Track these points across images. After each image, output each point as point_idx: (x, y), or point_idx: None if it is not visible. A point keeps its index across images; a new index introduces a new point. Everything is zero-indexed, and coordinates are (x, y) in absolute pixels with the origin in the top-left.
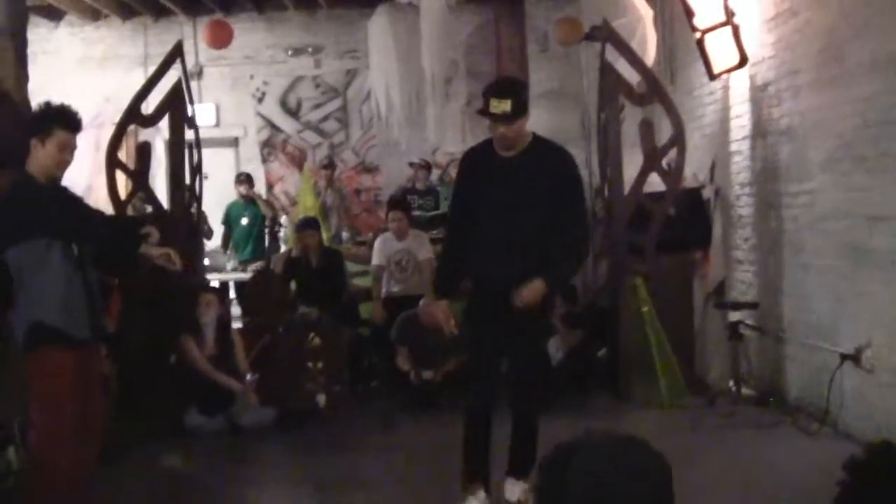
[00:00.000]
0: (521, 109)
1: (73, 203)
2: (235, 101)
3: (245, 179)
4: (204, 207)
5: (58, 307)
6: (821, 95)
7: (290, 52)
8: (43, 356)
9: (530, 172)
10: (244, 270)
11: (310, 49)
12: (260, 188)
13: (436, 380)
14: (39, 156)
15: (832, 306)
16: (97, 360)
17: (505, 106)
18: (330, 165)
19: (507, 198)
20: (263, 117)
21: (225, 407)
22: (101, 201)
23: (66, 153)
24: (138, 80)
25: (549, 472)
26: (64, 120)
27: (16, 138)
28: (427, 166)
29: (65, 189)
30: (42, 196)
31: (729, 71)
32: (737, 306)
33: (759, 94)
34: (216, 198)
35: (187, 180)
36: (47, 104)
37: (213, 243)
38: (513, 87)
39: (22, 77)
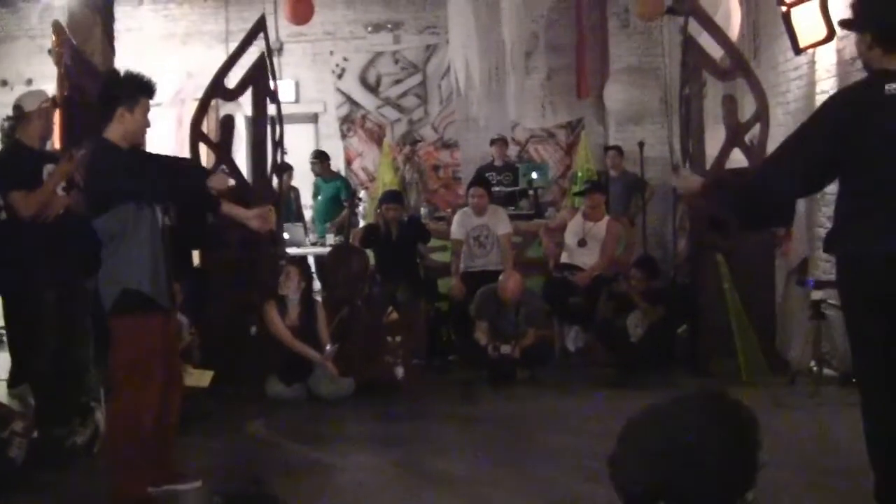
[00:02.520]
0: None
1: (156, 160)
2: (315, 77)
3: (318, 157)
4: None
5: (147, 275)
6: None
7: (369, 28)
8: (132, 322)
9: None
10: (323, 245)
11: (389, 25)
12: (339, 164)
13: (514, 354)
14: (127, 122)
15: None
16: (175, 326)
17: None
18: (414, 142)
19: None
20: (343, 93)
21: (305, 376)
22: None
23: (147, 119)
24: (219, 56)
25: (629, 430)
26: (149, 89)
27: None
28: (505, 142)
29: (145, 151)
30: (129, 161)
31: (815, 45)
32: (820, 285)
33: (846, 69)
34: (296, 173)
35: (269, 154)
36: (128, 74)
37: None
38: None
39: (109, 52)
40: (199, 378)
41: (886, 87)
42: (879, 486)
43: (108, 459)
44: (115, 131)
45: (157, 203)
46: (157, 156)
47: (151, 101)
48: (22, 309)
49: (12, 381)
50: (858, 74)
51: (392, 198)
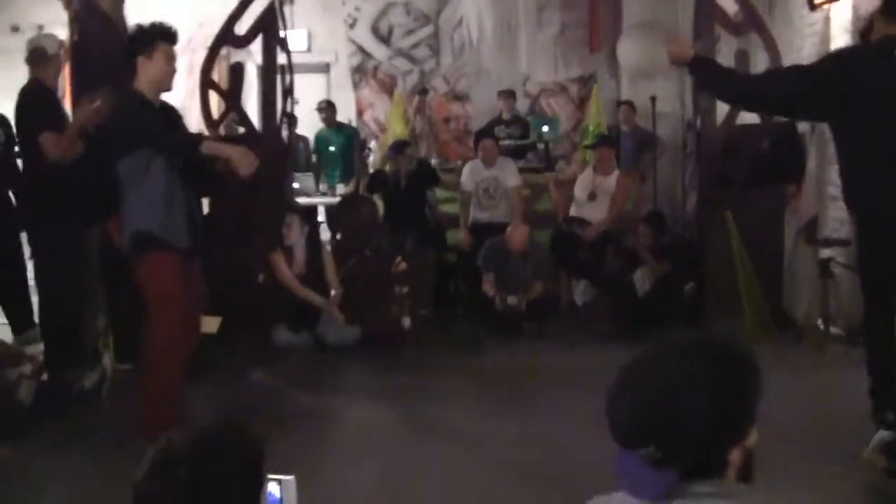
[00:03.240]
0: None
1: (176, 123)
2: (327, 26)
3: (326, 107)
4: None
5: (159, 216)
6: None
7: None
8: (150, 260)
9: None
10: (333, 195)
11: None
12: (350, 114)
13: (520, 306)
14: (150, 70)
15: None
16: (196, 267)
17: None
18: (422, 92)
19: None
20: (355, 43)
21: (312, 324)
22: (193, 124)
23: (172, 64)
24: (231, 5)
25: (626, 371)
26: (166, 34)
27: (117, 57)
28: (513, 95)
29: (171, 108)
30: (150, 111)
31: (830, 1)
32: (829, 243)
33: (862, 26)
34: (306, 123)
35: (279, 103)
36: (143, 24)
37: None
38: None
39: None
40: (207, 324)
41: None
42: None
43: (142, 391)
44: (140, 82)
45: (167, 153)
46: (175, 120)
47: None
48: (44, 251)
49: (16, 328)
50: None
51: (397, 148)
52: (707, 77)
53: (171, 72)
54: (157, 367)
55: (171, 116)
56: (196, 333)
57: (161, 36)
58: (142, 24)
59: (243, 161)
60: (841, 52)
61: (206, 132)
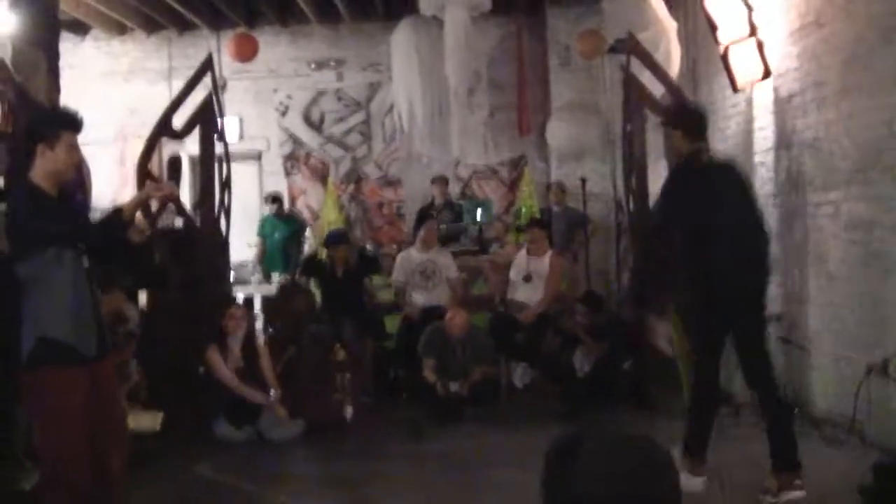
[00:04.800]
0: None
1: (77, 212)
2: (259, 114)
3: (275, 199)
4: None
5: (68, 321)
6: (847, 105)
7: (312, 66)
8: (49, 373)
9: None
10: (269, 283)
11: (332, 62)
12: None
13: (462, 392)
14: (48, 161)
15: (858, 316)
16: (108, 373)
17: None
18: (356, 179)
19: None
20: (287, 131)
21: (253, 418)
22: None
23: (74, 153)
24: (163, 93)
25: (556, 463)
26: (69, 122)
27: None
28: (445, 181)
29: (69, 198)
30: (50, 205)
31: (753, 83)
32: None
33: (783, 106)
34: (239, 211)
35: (216, 195)
36: (47, 110)
37: (240, 257)
38: None
39: (54, 90)
40: (149, 420)
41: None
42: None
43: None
44: (37, 170)
45: (74, 242)
46: (75, 211)
47: (93, 140)
48: None
49: None
50: (795, 111)
51: (337, 239)
52: (657, 292)
53: (73, 162)
54: (56, 493)
55: (72, 206)
56: (122, 437)
57: (65, 124)
58: (44, 110)
59: (160, 191)
60: (685, 176)
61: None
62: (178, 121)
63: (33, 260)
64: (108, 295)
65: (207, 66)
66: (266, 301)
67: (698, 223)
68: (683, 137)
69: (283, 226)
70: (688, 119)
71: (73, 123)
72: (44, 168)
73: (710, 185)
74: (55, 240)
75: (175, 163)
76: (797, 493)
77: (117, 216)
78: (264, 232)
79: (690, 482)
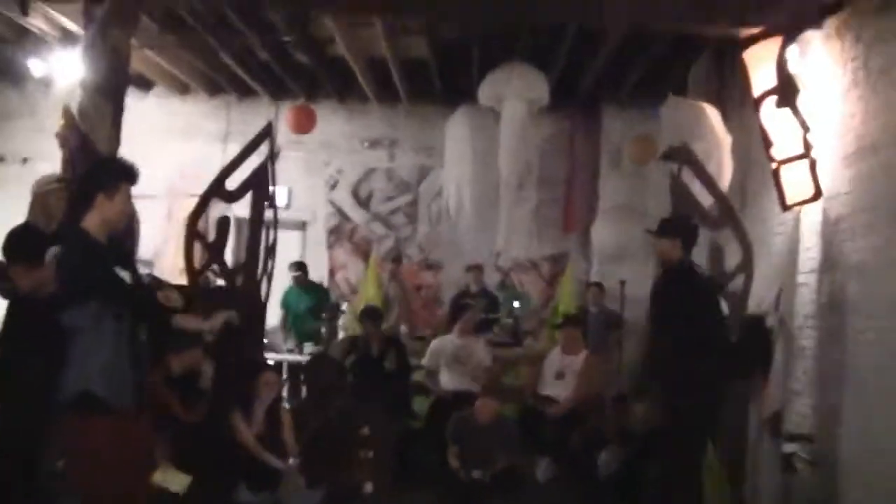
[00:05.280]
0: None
1: (127, 260)
2: (308, 185)
3: (299, 268)
4: (265, 287)
5: (105, 375)
6: (895, 234)
7: (366, 144)
8: (86, 422)
9: None
10: (301, 353)
11: (386, 142)
12: (322, 274)
13: (485, 480)
14: (106, 210)
15: (894, 444)
16: (141, 428)
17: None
18: (396, 259)
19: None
20: (334, 204)
21: (273, 484)
22: (166, 270)
23: (129, 204)
24: (216, 155)
25: None
26: (130, 174)
27: None
28: (481, 269)
29: (118, 245)
30: (102, 253)
31: (802, 203)
32: (793, 438)
33: (831, 229)
34: (279, 279)
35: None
36: (109, 160)
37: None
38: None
39: (115, 142)
40: (178, 481)
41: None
42: None
43: None
44: (92, 219)
45: (113, 310)
46: (126, 257)
47: (144, 193)
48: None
49: None
50: (843, 235)
51: (372, 314)
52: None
53: (127, 213)
54: None
55: (120, 254)
56: (142, 497)
57: (126, 176)
58: (107, 159)
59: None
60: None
61: (181, 280)
62: (230, 184)
63: (79, 309)
64: (186, 351)
65: (267, 132)
66: (293, 369)
67: (691, 330)
68: (681, 247)
69: (306, 296)
70: (690, 231)
71: (132, 175)
72: (100, 216)
73: (710, 295)
74: (101, 295)
75: (223, 223)
76: None
77: (164, 310)
78: (287, 304)
79: None
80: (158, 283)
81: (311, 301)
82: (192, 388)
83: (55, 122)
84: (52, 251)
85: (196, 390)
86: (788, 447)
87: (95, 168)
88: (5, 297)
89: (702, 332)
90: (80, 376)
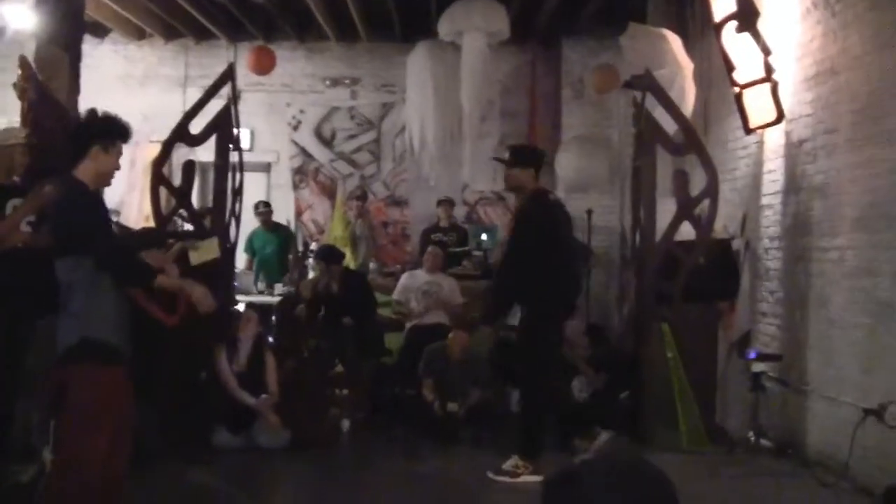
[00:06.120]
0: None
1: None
2: (270, 127)
3: (264, 209)
4: (233, 229)
5: (111, 324)
6: (856, 154)
7: (327, 83)
8: (92, 371)
9: None
10: (271, 294)
11: (347, 80)
12: (289, 215)
13: (459, 413)
14: (101, 163)
15: (857, 361)
16: (130, 374)
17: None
18: (362, 197)
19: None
20: (297, 145)
21: (250, 425)
22: (132, 218)
23: (118, 164)
24: (177, 100)
25: (554, 490)
26: (125, 133)
27: (63, 147)
28: (451, 203)
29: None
30: (100, 208)
31: (765, 126)
32: (760, 358)
33: (793, 151)
34: (244, 221)
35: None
36: (107, 115)
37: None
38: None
39: (74, 90)
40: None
41: (549, 196)
42: None
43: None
44: (86, 170)
45: (102, 270)
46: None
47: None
48: None
49: None
50: (805, 157)
51: (329, 254)
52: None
53: (117, 169)
54: (71, 485)
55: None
56: (128, 442)
57: (121, 133)
58: (104, 113)
59: (204, 302)
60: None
61: (148, 225)
62: (194, 128)
63: (77, 261)
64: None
65: (228, 75)
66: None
67: (549, 252)
68: (533, 176)
69: (273, 237)
70: (538, 158)
71: (127, 133)
72: (94, 169)
73: (561, 221)
74: (98, 249)
75: (189, 167)
76: (532, 478)
77: (149, 272)
78: (253, 247)
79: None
80: (126, 231)
81: (278, 242)
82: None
83: (10, 75)
84: (14, 202)
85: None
86: (757, 367)
87: (92, 120)
88: None
89: (564, 255)
90: (87, 325)
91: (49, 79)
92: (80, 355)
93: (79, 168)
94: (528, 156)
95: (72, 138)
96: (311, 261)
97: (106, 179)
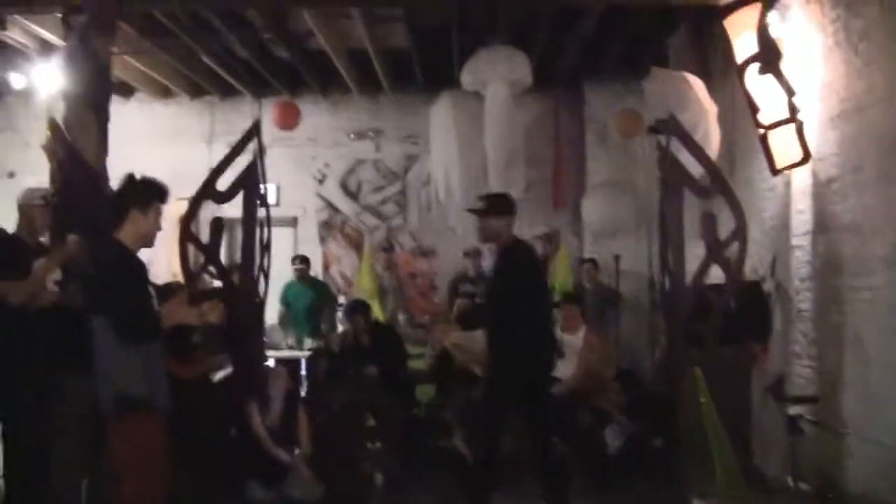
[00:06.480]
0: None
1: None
2: (296, 181)
3: (303, 261)
4: (262, 285)
5: (140, 377)
6: (886, 191)
7: (352, 136)
8: (132, 422)
9: None
10: (301, 349)
11: (371, 133)
12: (317, 269)
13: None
14: (140, 225)
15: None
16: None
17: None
18: (389, 248)
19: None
20: (323, 198)
21: (282, 479)
22: (159, 275)
23: (159, 224)
24: (202, 156)
25: None
26: (163, 194)
27: (92, 206)
28: (479, 254)
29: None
30: (140, 271)
31: (792, 167)
32: (796, 400)
33: (821, 190)
34: (273, 276)
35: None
36: (143, 178)
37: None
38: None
39: (103, 148)
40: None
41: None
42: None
43: None
44: (126, 234)
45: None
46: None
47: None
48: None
49: None
50: (833, 196)
51: (355, 308)
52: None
53: (158, 230)
54: None
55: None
56: (165, 488)
57: (159, 194)
58: (141, 177)
59: (212, 314)
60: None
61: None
62: (220, 184)
63: (107, 319)
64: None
65: (255, 131)
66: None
67: (526, 302)
68: (509, 224)
69: (309, 291)
70: (512, 206)
71: (164, 194)
72: (135, 231)
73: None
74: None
75: (217, 224)
76: None
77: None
78: (287, 300)
79: None
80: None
81: (313, 296)
82: (184, 343)
83: (39, 135)
84: (41, 261)
85: (189, 345)
86: (793, 410)
87: (129, 185)
88: None
89: (542, 304)
90: (118, 381)
91: (77, 139)
92: (120, 409)
93: (120, 231)
94: (502, 204)
95: (110, 204)
96: (339, 314)
97: (147, 241)
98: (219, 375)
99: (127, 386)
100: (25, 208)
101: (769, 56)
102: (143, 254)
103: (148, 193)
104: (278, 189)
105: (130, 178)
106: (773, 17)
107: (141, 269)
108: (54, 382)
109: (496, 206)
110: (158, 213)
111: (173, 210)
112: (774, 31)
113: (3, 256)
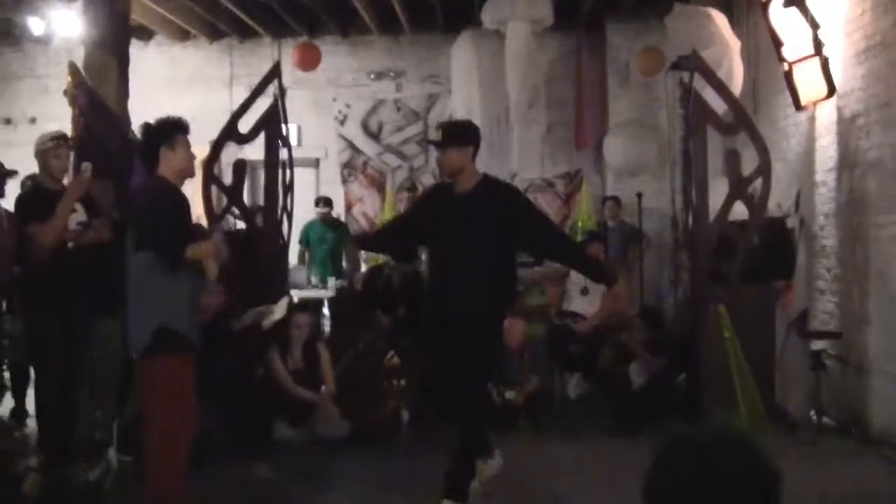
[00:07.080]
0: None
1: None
2: (317, 122)
3: (326, 203)
4: (285, 225)
5: (187, 313)
6: None
7: (372, 76)
8: (169, 360)
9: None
10: (325, 288)
11: (392, 73)
12: (339, 209)
13: (518, 401)
14: (173, 161)
15: None
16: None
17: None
18: (412, 188)
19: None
20: (345, 139)
21: (309, 417)
22: None
23: (191, 152)
24: (223, 99)
25: (661, 466)
26: (181, 125)
27: (114, 150)
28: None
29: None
30: (186, 203)
31: (816, 102)
32: (820, 335)
33: (846, 126)
34: (296, 216)
35: (279, 199)
36: (159, 119)
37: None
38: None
39: (123, 94)
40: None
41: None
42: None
43: (146, 491)
44: (164, 171)
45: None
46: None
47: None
48: (37, 341)
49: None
50: (858, 132)
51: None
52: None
53: (193, 158)
54: (161, 467)
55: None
56: (195, 425)
57: (178, 128)
58: (153, 120)
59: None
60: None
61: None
62: (242, 126)
63: (153, 255)
64: None
65: (275, 73)
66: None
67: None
68: (471, 155)
69: (330, 232)
70: (476, 135)
71: (183, 126)
72: (170, 168)
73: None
74: (162, 252)
75: (240, 166)
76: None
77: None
78: (307, 239)
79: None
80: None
81: (335, 238)
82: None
83: (60, 81)
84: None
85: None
86: (816, 345)
87: (148, 130)
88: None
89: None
90: (163, 315)
91: (98, 84)
92: (154, 347)
93: (161, 169)
94: (464, 133)
95: (142, 153)
96: (363, 255)
97: (186, 173)
98: (272, 318)
99: (172, 321)
100: (39, 153)
101: None
102: None
103: (167, 129)
104: (299, 130)
105: (146, 125)
106: None
107: (186, 202)
108: (83, 325)
109: (455, 136)
110: (187, 145)
111: (196, 153)
112: None
113: (29, 204)
